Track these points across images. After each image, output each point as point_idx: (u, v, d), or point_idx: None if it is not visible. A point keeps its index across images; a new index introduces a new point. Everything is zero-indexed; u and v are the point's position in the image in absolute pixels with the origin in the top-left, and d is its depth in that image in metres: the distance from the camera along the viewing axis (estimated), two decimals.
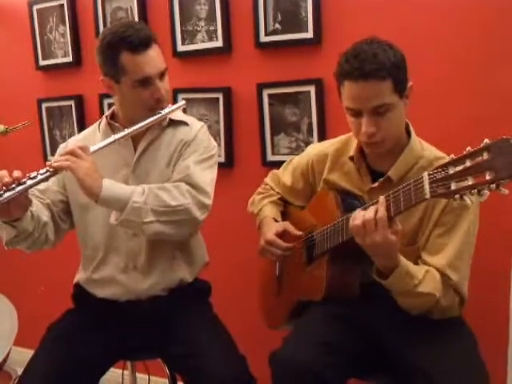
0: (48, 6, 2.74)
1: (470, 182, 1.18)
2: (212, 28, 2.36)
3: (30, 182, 1.53)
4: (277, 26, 2.24)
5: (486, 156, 1.16)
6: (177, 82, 2.19)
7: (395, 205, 1.40)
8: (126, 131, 1.70)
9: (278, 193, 2.00)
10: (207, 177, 1.77)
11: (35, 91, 2.88)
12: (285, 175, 1.97)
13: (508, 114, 1.90)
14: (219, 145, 2.36)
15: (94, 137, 1.86)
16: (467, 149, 1.20)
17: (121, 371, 2.09)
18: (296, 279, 1.86)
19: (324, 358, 1.50)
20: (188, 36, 2.43)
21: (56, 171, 1.57)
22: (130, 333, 1.80)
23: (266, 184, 2.06)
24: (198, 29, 2.40)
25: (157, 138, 1.82)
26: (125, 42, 1.67)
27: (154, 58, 1.71)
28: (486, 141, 1.16)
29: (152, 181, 1.76)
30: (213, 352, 1.68)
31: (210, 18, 2.36)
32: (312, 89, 2.20)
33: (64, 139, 2.72)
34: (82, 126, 2.66)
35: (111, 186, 1.62)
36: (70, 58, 2.73)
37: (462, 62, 1.96)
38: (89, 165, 1.59)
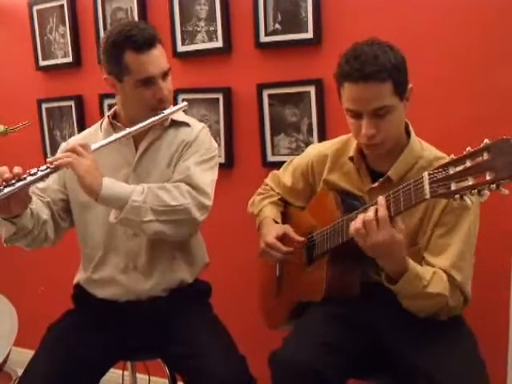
0: (48, 7, 2.74)
1: (470, 182, 1.18)
2: (212, 28, 2.36)
3: (30, 178, 1.53)
4: (277, 26, 2.24)
5: (486, 156, 1.16)
6: (177, 83, 2.17)
7: (395, 205, 1.40)
8: (128, 130, 1.70)
9: (278, 193, 2.00)
10: (207, 178, 1.77)
11: (35, 91, 2.88)
12: (285, 176, 1.97)
13: (508, 114, 1.90)
14: (219, 145, 2.35)
15: (95, 136, 1.86)
16: (467, 149, 1.20)
17: (121, 372, 2.09)
18: (296, 280, 1.85)
19: (324, 358, 1.49)
20: (188, 36, 2.43)
21: (56, 168, 1.57)
22: (130, 333, 1.80)
23: (267, 185, 2.06)
24: (198, 29, 2.40)
25: (158, 138, 1.83)
26: (129, 42, 1.67)
27: (157, 58, 1.71)
28: (486, 141, 1.16)
29: (152, 181, 1.76)
30: (213, 352, 1.67)
31: (210, 18, 2.36)
32: (312, 89, 2.20)
33: (64, 139, 2.71)
34: (81, 127, 2.67)
35: (111, 185, 1.62)
36: (69, 59, 2.73)
37: (462, 62, 1.96)
38: (89, 162, 1.59)
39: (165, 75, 1.74)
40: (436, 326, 1.53)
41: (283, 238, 1.82)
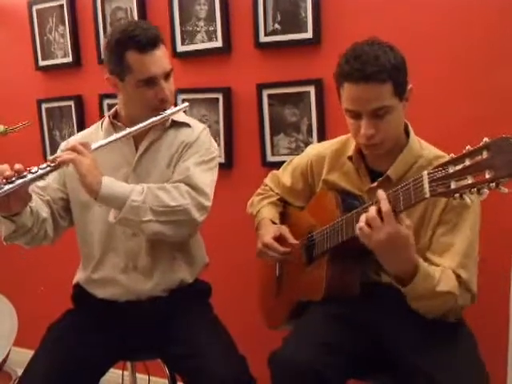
0: (48, 7, 2.74)
1: (469, 180, 1.18)
2: (212, 28, 2.36)
3: (30, 176, 1.53)
4: (276, 26, 2.24)
5: (485, 155, 1.15)
6: (177, 83, 2.16)
7: (394, 204, 1.39)
8: (128, 130, 1.70)
9: (277, 193, 2.00)
10: (207, 178, 1.77)
11: (35, 91, 2.88)
12: (284, 176, 1.97)
13: (508, 114, 1.90)
14: (219, 145, 2.35)
15: (96, 136, 1.86)
16: (467, 148, 1.20)
17: (121, 372, 2.09)
18: (296, 279, 1.85)
19: (324, 358, 1.49)
20: (188, 36, 2.43)
21: (57, 166, 1.57)
22: (130, 333, 1.80)
23: (266, 185, 2.06)
24: (198, 29, 2.40)
25: (159, 138, 1.83)
26: (132, 41, 1.67)
27: (160, 58, 1.71)
28: (486, 139, 1.16)
29: (152, 181, 1.76)
30: (213, 352, 1.67)
31: (210, 18, 2.36)
32: (312, 89, 2.20)
33: (64, 139, 2.69)
34: (81, 127, 2.66)
35: (111, 184, 1.62)
36: (69, 59, 2.73)
37: (462, 62, 1.96)
38: (89, 161, 1.59)
39: (167, 76, 1.74)
40: (436, 326, 1.52)
41: (280, 239, 1.82)
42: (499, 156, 1.13)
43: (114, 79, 1.75)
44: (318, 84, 2.19)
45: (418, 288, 1.45)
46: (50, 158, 1.60)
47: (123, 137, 1.70)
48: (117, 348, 1.80)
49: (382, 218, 1.38)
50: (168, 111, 1.76)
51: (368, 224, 1.40)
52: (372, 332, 1.60)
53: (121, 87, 1.76)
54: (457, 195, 1.21)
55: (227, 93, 2.38)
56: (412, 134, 1.64)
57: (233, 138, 2.43)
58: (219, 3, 2.31)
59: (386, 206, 1.38)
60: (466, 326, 1.63)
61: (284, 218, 1.97)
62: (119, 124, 1.83)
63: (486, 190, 1.16)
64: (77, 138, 1.93)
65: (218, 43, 2.36)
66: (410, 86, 1.57)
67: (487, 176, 1.14)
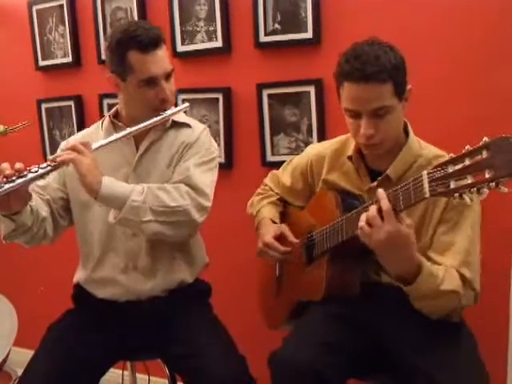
0: (47, 7, 2.74)
1: (469, 180, 1.18)
2: (212, 28, 2.36)
3: (30, 175, 1.53)
4: (276, 26, 2.24)
5: (485, 154, 1.15)
6: (177, 83, 2.17)
7: (394, 203, 1.39)
8: (128, 130, 1.70)
9: (277, 193, 2.00)
10: (207, 179, 1.78)
11: (35, 91, 2.88)
12: (284, 175, 1.97)
13: (508, 114, 1.90)
14: (219, 145, 2.35)
15: (96, 135, 1.86)
16: (466, 147, 1.20)
17: (121, 371, 2.09)
18: (296, 279, 1.85)
19: (324, 358, 1.49)
20: (188, 36, 2.43)
21: (57, 165, 1.58)
22: (130, 333, 1.80)
23: (266, 185, 2.06)
24: (198, 29, 2.40)
25: (159, 138, 1.83)
26: (134, 41, 1.67)
27: (161, 59, 1.72)
28: (486, 139, 1.16)
29: (152, 181, 1.76)
30: (213, 352, 1.67)
31: (210, 18, 2.36)
32: (312, 89, 2.20)
33: (64, 139, 2.69)
34: (81, 127, 2.66)
35: (111, 184, 1.63)
36: (69, 59, 2.74)
37: (462, 62, 1.96)
38: (90, 161, 1.60)
39: (168, 76, 1.75)
40: (436, 326, 1.52)
41: (281, 238, 1.82)
42: (499, 156, 1.13)
43: (116, 79, 1.75)
44: (318, 84, 2.19)
45: (421, 287, 1.44)
46: (50, 157, 1.60)
47: (124, 137, 1.70)
48: (117, 348, 1.80)
49: (382, 217, 1.38)
50: (168, 111, 1.76)
51: (368, 223, 1.40)
52: (372, 332, 1.60)
53: (122, 87, 1.76)
54: (456, 195, 1.21)
55: (227, 93, 2.38)
56: (411, 133, 1.64)
57: (233, 138, 2.43)
58: (219, 3, 2.31)
59: (386, 204, 1.37)
60: (466, 326, 1.63)
61: (284, 217, 1.97)
62: (120, 124, 1.83)
63: (485, 190, 1.16)
64: (77, 137, 1.93)
65: (218, 43, 2.36)
66: (409, 86, 1.57)
67: (487, 176, 1.14)
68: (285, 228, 1.84)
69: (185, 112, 1.88)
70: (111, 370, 1.84)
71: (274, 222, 1.91)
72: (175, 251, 1.84)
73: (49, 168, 1.56)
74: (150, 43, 1.68)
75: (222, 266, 2.26)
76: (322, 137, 2.20)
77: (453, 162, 1.22)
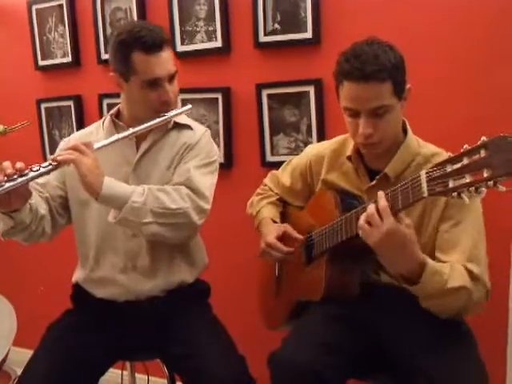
0: (47, 7, 2.74)
1: (467, 179, 1.18)
2: (211, 28, 2.36)
3: (31, 174, 1.53)
4: (276, 26, 2.24)
5: (483, 153, 1.15)
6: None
7: (393, 203, 1.38)
8: (131, 130, 1.70)
9: (276, 193, 2.00)
10: (207, 182, 1.78)
11: (34, 91, 2.88)
12: (284, 176, 1.97)
13: (508, 114, 1.90)
14: (218, 145, 2.35)
15: (96, 134, 1.87)
16: (464, 146, 1.20)
17: (120, 371, 2.09)
18: (295, 279, 1.85)
19: (323, 358, 1.49)
20: (187, 36, 2.42)
21: (58, 165, 1.57)
22: (129, 333, 1.79)
23: (265, 185, 2.06)
24: (198, 29, 2.39)
25: (160, 139, 1.83)
26: (139, 42, 1.67)
27: (165, 61, 1.71)
28: (484, 138, 1.16)
29: (152, 182, 1.76)
30: (212, 352, 1.67)
31: (210, 18, 2.35)
32: (311, 89, 2.20)
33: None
34: (81, 126, 2.66)
35: (112, 184, 1.63)
36: (69, 58, 2.73)
37: (462, 62, 1.96)
38: (91, 161, 1.59)
39: (171, 78, 1.74)
40: (436, 326, 1.52)
41: (283, 238, 1.82)
42: (497, 155, 1.13)
43: (118, 78, 1.75)
44: (318, 84, 2.19)
45: (426, 287, 1.42)
46: (51, 156, 1.60)
47: (126, 137, 1.70)
48: (116, 348, 1.80)
49: (380, 215, 1.37)
50: (171, 113, 1.75)
51: (368, 222, 1.40)
52: (371, 332, 1.60)
53: (125, 87, 1.76)
54: (455, 194, 1.21)
55: (227, 93, 2.38)
56: (409, 131, 1.64)
57: (232, 138, 2.42)
58: (219, 3, 2.31)
59: (382, 202, 1.37)
60: (465, 325, 1.62)
61: (284, 217, 1.97)
62: (121, 123, 1.83)
63: (483, 189, 1.16)
64: (76, 136, 1.93)
65: (218, 43, 2.36)
66: (408, 86, 1.57)
67: (485, 175, 1.14)
68: (288, 227, 1.84)
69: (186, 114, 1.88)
70: (110, 369, 1.84)
71: (275, 222, 1.91)
72: (175, 252, 1.84)
73: (50, 167, 1.56)
74: (155, 44, 1.68)
75: (222, 266, 2.26)
76: (321, 137, 2.20)
77: (451, 161, 1.22)
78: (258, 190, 2.06)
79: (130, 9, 2.53)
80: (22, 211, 1.63)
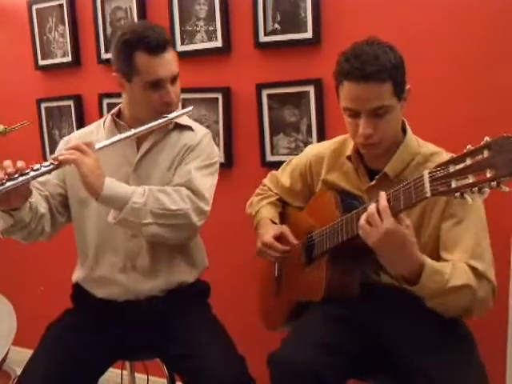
0: (47, 6, 2.74)
1: (470, 180, 1.17)
2: (211, 28, 2.36)
3: (32, 174, 1.53)
4: (276, 26, 2.24)
5: (486, 154, 1.15)
6: None
7: (395, 203, 1.38)
8: (133, 131, 1.70)
9: (276, 194, 2.00)
10: (207, 183, 1.78)
11: (34, 91, 2.88)
12: (283, 176, 1.97)
13: (508, 114, 1.90)
14: (218, 145, 2.35)
15: (97, 134, 1.87)
16: (468, 147, 1.20)
17: (120, 371, 2.10)
18: (295, 280, 1.85)
19: (323, 358, 1.49)
20: (187, 36, 2.42)
21: (60, 164, 1.57)
22: (129, 333, 1.79)
23: (265, 185, 2.06)
24: (198, 29, 2.39)
25: (161, 140, 1.83)
26: (142, 43, 1.67)
27: (169, 62, 1.72)
28: (487, 139, 1.16)
29: (153, 182, 1.76)
30: (212, 352, 1.67)
31: (210, 18, 2.35)
32: (311, 89, 2.20)
33: None
34: (81, 126, 2.65)
35: (113, 185, 1.62)
36: (69, 58, 2.73)
37: (462, 62, 1.96)
38: (93, 162, 1.59)
39: (174, 79, 1.75)
40: (436, 327, 1.52)
41: (280, 238, 1.82)
42: (500, 155, 1.13)
43: (121, 78, 1.75)
44: (318, 84, 2.19)
45: (426, 286, 1.42)
46: (52, 156, 1.60)
47: (127, 138, 1.70)
48: (115, 348, 1.80)
49: (380, 215, 1.37)
50: (172, 114, 1.76)
51: (368, 222, 1.40)
52: (371, 332, 1.60)
53: (127, 87, 1.76)
54: (458, 194, 1.21)
55: (227, 93, 2.38)
56: (409, 131, 1.64)
57: (232, 138, 2.42)
58: (219, 3, 2.31)
59: (382, 202, 1.37)
60: (465, 326, 1.62)
61: (283, 218, 1.97)
62: (122, 123, 1.82)
63: (486, 189, 1.16)
64: (76, 135, 1.93)
65: (218, 43, 2.36)
66: (408, 86, 1.57)
67: (488, 175, 1.14)
68: (285, 229, 1.84)
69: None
70: (110, 369, 1.84)
71: (274, 223, 1.91)
72: (175, 252, 1.84)
73: (51, 167, 1.56)
74: (159, 45, 1.68)
75: (222, 266, 2.26)
76: (321, 137, 2.20)
77: (454, 161, 1.22)
78: (258, 191, 2.06)
79: (130, 8, 2.53)
80: (21, 210, 1.63)
